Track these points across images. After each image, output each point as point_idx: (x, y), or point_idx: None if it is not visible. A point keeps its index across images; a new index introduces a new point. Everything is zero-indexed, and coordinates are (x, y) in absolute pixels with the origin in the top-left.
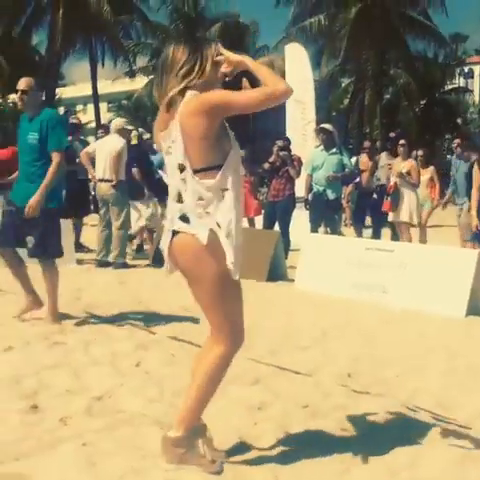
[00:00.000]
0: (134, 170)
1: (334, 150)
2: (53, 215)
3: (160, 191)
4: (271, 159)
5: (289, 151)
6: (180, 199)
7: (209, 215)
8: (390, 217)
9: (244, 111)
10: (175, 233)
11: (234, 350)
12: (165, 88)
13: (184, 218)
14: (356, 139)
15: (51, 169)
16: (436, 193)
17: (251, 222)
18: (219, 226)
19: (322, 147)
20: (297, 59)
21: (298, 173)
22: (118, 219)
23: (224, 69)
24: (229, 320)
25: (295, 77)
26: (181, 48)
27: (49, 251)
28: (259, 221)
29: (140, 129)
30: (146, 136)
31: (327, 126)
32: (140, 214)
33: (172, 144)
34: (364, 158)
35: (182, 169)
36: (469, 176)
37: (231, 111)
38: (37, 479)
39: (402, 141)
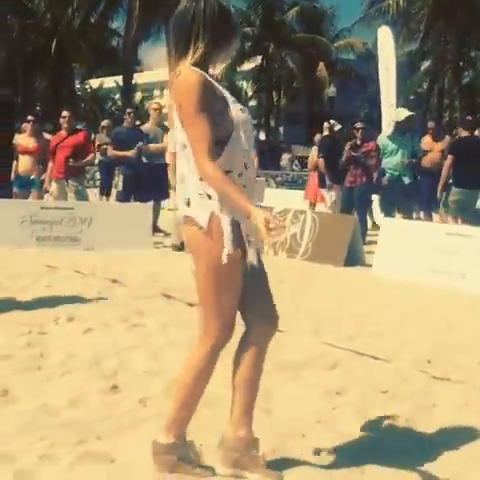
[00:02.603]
0: (320, 160)
1: (408, 135)
2: None
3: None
4: (345, 158)
5: (366, 135)
6: (183, 180)
7: (211, 198)
8: None
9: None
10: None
11: (218, 345)
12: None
13: (187, 201)
14: (436, 123)
15: None
16: None
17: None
18: (221, 211)
19: (397, 132)
20: (386, 42)
21: (376, 165)
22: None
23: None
24: (218, 312)
25: (385, 59)
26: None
27: None
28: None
29: (332, 121)
30: (337, 127)
31: (407, 112)
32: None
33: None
34: (427, 139)
35: (185, 146)
36: None
37: (182, 116)
38: (118, 458)
39: None
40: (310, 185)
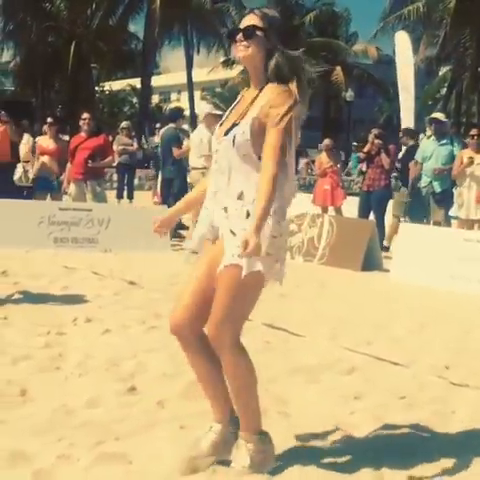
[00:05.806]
0: None
1: (445, 141)
2: None
3: None
4: (366, 149)
5: (384, 141)
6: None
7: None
8: None
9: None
10: None
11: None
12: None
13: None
14: (454, 128)
15: None
16: None
17: (338, 211)
18: None
19: (433, 137)
20: (404, 47)
21: (392, 163)
22: None
23: None
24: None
25: (403, 65)
26: None
27: None
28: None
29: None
30: None
31: (439, 115)
32: None
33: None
34: None
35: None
36: None
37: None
38: (136, 459)
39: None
40: (318, 190)
